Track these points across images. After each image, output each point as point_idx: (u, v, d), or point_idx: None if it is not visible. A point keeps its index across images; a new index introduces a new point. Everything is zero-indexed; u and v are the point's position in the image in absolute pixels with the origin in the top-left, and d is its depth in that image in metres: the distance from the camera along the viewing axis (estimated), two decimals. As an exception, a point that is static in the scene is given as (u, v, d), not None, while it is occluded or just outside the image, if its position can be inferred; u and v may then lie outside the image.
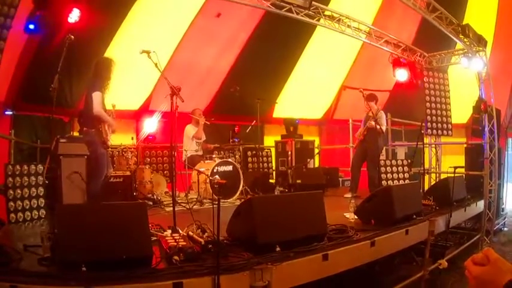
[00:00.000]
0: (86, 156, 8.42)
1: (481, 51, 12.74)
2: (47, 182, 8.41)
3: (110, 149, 8.79)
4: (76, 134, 11.34)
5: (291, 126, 15.81)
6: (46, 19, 8.07)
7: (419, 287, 8.00)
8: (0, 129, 10.60)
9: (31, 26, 8.10)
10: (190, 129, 12.10)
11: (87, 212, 4.79)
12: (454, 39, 12.35)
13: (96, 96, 7.98)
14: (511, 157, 17.71)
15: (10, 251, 4.96)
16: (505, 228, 14.20)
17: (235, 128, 14.22)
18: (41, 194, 8.21)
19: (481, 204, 11.80)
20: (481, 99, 12.62)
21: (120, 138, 11.18)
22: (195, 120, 12.17)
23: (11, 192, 7.75)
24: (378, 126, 10.90)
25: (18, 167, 8.02)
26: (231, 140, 13.35)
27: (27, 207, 7.93)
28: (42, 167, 8.45)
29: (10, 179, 7.80)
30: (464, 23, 12.25)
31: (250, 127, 13.56)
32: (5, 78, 10.64)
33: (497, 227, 13.22)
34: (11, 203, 7.71)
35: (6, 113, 11.31)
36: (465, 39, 12.27)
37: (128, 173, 10.51)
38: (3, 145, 10.38)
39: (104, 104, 8.29)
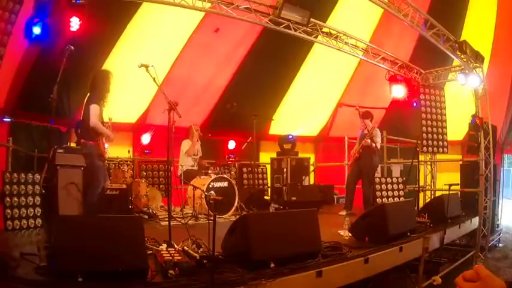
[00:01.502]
0: (82, 168, 8.43)
1: (477, 67, 12.79)
2: (43, 191, 8.43)
3: (106, 161, 8.81)
4: (73, 144, 11.32)
5: (285, 144, 15.76)
6: (46, 29, 8.08)
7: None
8: (-3, 135, 10.60)
9: (36, 30, 8.09)
10: (186, 145, 12.09)
11: (85, 224, 4.82)
12: (451, 55, 12.36)
13: (93, 108, 8.03)
14: (507, 173, 17.76)
15: (6, 257, 4.98)
16: (500, 244, 14.20)
17: (231, 144, 14.25)
18: (38, 203, 8.22)
19: (475, 221, 11.81)
20: (476, 115, 12.66)
21: (116, 151, 11.27)
22: (191, 135, 12.17)
23: (8, 199, 7.77)
24: (374, 144, 10.96)
25: (15, 174, 8.05)
26: (226, 156, 13.32)
27: (24, 215, 7.94)
28: (39, 176, 8.47)
29: (7, 186, 7.83)
30: (461, 39, 12.31)
31: (246, 144, 13.49)
32: (3, 85, 10.65)
33: (492, 243, 13.19)
34: (8, 210, 7.73)
35: (4, 119, 11.30)
36: (462, 56, 12.30)
37: (124, 186, 10.48)
38: (1, 153, 10.36)
39: (102, 117, 8.34)
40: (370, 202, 11.32)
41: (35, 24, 8.00)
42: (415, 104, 13.49)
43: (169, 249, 5.44)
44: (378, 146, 11.47)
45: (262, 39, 14.24)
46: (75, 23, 8.12)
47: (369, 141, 11.01)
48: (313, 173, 17.00)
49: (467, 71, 12.68)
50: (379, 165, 13.17)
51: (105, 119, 8.67)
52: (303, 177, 14.90)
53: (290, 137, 15.89)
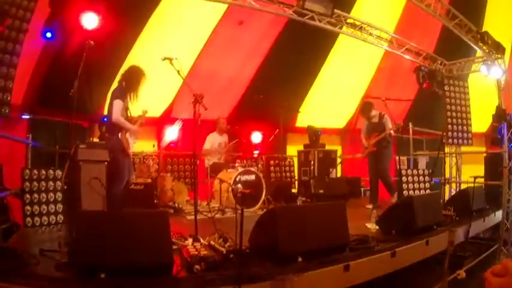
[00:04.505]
0: (106, 163, 8.39)
1: (499, 58, 12.68)
2: (65, 187, 8.40)
3: (131, 156, 8.75)
4: (96, 139, 11.33)
5: (313, 136, 15.61)
6: (63, 26, 8.07)
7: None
8: (17, 132, 10.56)
9: (48, 35, 8.08)
10: (212, 138, 12.23)
11: (108, 219, 4.80)
12: (473, 46, 12.29)
13: (115, 104, 8.01)
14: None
15: (24, 255, 4.95)
16: (524, 238, 14.06)
17: (257, 137, 14.14)
18: (59, 199, 8.20)
19: (499, 214, 11.68)
20: (499, 106, 12.55)
21: (141, 146, 11.22)
22: (219, 128, 12.29)
23: (28, 196, 7.74)
24: (390, 132, 11.08)
25: (35, 171, 8.00)
26: (253, 149, 13.24)
27: (45, 211, 7.92)
28: (60, 172, 8.44)
29: (27, 183, 7.80)
30: (483, 30, 12.22)
31: (273, 136, 13.49)
32: (22, 82, 10.62)
33: (515, 236, 13.08)
34: (28, 207, 7.71)
35: (23, 116, 11.29)
36: (484, 47, 12.25)
37: (149, 181, 10.51)
38: (21, 149, 10.35)
39: (127, 112, 8.32)
40: (393, 188, 11.47)
41: (48, 28, 8.01)
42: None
43: (195, 243, 5.44)
44: (392, 132, 11.47)
45: (287, 30, 14.26)
46: (93, 19, 8.08)
47: (392, 132, 11.26)
48: (340, 165, 16.89)
49: (489, 62, 12.61)
50: (406, 157, 13.18)
51: (139, 113, 8.68)
52: (330, 169, 14.77)
53: (320, 133, 15.65)
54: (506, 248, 11.79)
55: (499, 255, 11.44)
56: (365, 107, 11.69)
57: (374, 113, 11.53)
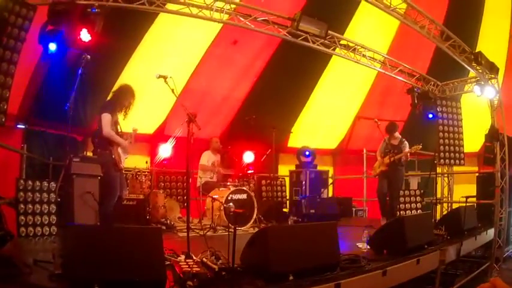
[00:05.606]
0: (99, 177, 8.42)
1: (493, 78, 12.70)
2: (59, 199, 8.42)
3: (123, 171, 8.78)
4: (90, 153, 11.32)
5: (301, 156, 15.64)
6: (66, 38, 8.09)
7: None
8: (11, 142, 10.50)
9: (52, 47, 8.09)
10: (206, 156, 12.27)
11: (103, 234, 4.85)
12: (467, 67, 12.33)
13: (104, 118, 8.09)
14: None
15: (19, 264, 4.97)
16: (515, 255, 14.09)
17: (249, 157, 14.10)
18: (53, 211, 8.25)
19: (491, 232, 11.77)
20: (493, 126, 12.60)
21: (134, 162, 11.25)
22: (212, 148, 12.37)
23: (22, 206, 7.82)
24: (405, 157, 11.39)
25: (30, 182, 8.10)
26: (245, 169, 13.25)
27: (38, 222, 8.00)
28: (54, 184, 8.47)
29: (21, 193, 7.88)
30: (477, 50, 12.26)
31: (264, 156, 13.47)
32: (17, 92, 10.59)
33: (507, 254, 13.06)
34: (22, 217, 7.80)
35: (18, 126, 11.28)
36: (478, 67, 12.25)
37: (142, 197, 10.52)
38: (15, 159, 10.36)
39: (116, 127, 8.41)
40: (395, 213, 11.45)
41: (51, 39, 8.02)
42: (430, 116, 13.47)
43: (187, 260, 5.45)
44: (408, 155, 11.68)
45: (281, 51, 14.25)
46: (85, 34, 8.10)
47: (406, 155, 11.52)
48: (331, 185, 16.93)
49: (482, 83, 12.61)
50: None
51: (129, 130, 8.76)
52: (322, 189, 14.84)
53: (307, 153, 15.68)
54: (498, 265, 11.84)
55: (491, 272, 11.48)
56: (391, 126, 11.96)
57: (397, 135, 11.68)
